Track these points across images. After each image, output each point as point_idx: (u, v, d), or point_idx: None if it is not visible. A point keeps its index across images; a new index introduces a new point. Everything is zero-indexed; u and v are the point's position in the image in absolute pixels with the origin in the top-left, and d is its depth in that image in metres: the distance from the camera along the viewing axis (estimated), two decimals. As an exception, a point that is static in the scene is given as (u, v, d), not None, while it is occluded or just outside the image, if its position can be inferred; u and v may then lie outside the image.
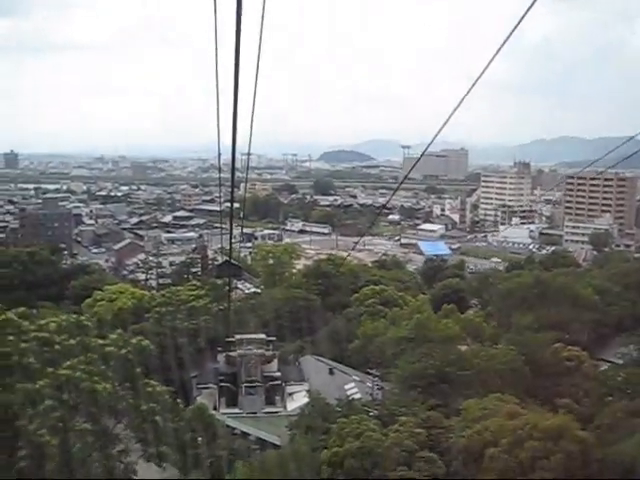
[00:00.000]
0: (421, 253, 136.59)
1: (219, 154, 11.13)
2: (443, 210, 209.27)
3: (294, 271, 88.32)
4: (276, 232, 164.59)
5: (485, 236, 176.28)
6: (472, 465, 27.07)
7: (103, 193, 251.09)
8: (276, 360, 47.46)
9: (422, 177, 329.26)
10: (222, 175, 18.14)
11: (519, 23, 6.77)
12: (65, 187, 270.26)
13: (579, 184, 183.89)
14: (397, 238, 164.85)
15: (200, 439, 30.34)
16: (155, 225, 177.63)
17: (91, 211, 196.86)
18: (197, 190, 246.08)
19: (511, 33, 6.92)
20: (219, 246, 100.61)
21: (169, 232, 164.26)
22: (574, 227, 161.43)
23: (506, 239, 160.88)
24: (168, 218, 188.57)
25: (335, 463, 27.12)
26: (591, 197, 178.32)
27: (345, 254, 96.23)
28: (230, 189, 13.51)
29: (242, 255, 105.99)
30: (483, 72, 7.54)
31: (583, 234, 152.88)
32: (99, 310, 53.60)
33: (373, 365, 45.76)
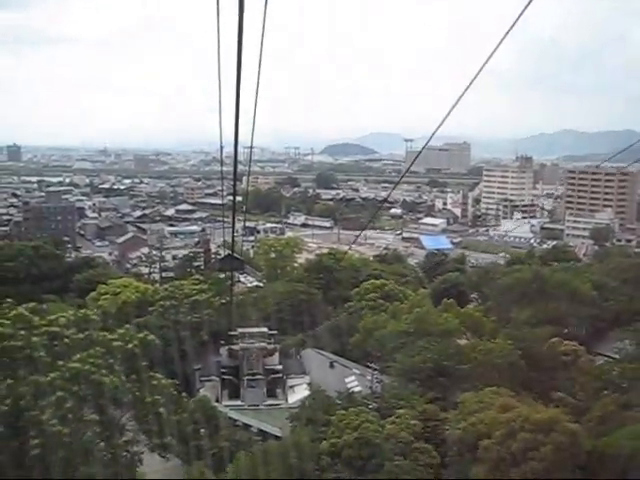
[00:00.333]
0: (423, 247, 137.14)
1: (221, 147, 11.18)
2: (445, 204, 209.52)
3: (296, 265, 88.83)
4: (278, 226, 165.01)
5: (487, 230, 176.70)
6: (467, 456, 27.92)
7: (106, 186, 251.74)
8: (277, 353, 48.13)
9: (425, 171, 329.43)
10: (224, 168, 18.34)
11: (519, 17, 7.05)
12: (68, 180, 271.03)
13: (580, 178, 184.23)
14: (399, 232, 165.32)
15: (203, 431, 31.09)
16: (158, 218, 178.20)
17: (94, 204, 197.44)
18: (200, 183, 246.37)
19: (511, 27, 7.17)
20: (222, 240, 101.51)
21: (172, 225, 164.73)
22: (575, 222, 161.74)
23: (507, 233, 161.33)
24: (171, 211, 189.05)
25: (334, 453, 27.98)
26: (592, 192, 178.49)
27: (347, 248, 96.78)
28: (232, 182, 13.38)
29: (244, 249, 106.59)
30: (483, 66, 7.70)
31: (584, 229, 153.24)
32: (104, 304, 54.14)
33: (373, 359, 46.42)
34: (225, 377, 45.98)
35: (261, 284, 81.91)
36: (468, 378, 39.87)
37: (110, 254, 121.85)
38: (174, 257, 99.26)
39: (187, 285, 56.28)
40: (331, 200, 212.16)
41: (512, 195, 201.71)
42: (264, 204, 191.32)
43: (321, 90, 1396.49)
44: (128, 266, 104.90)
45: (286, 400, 44.50)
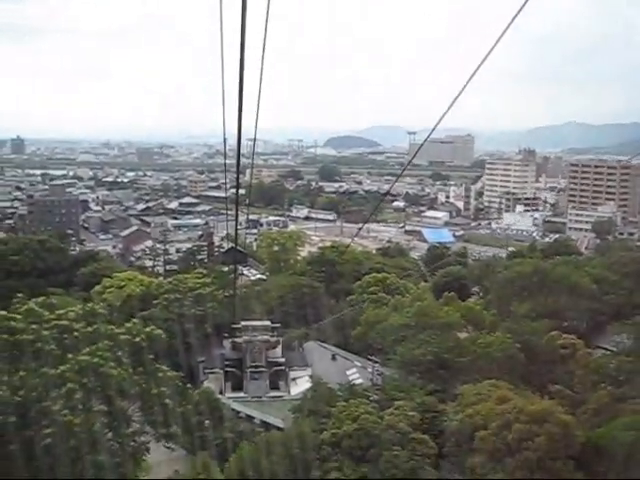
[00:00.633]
0: (425, 240, 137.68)
1: (224, 140, 11.20)
2: (448, 197, 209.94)
3: (299, 258, 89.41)
4: (281, 219, 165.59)
5: (489, 223, 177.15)
6: (464, 446, 28.64)
7: (109, 179, 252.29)
8: (280, 346, 48.60)
9: (428, 163, 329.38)
10: (228, 161, 18.66)
11: (523, 6, 7.00)
12: (72, 173, 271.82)
13: (583, 172, 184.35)
14: (401, 225, 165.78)
15: (207, 422, 31.79)
16: (161, 211, 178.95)
17: (98, 197, 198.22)
18: (203, 176, 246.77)
19: (516, 15, 7.16)
20: (225, 232, 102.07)
21: (175, 219, 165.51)
22: (578, 215, 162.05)
23: (510, 227, 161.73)
24: (174, 204, 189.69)
25: (334, 443, 28.73)
26: (595, 185, 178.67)
27: (349, 241, 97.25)
28: (236, 175, 13.45)
29: (247, 241, 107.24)
30: (486, 58, 7.71)
31: (587, 222, 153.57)
32: (109, 297, 54.66)
33: (374, 351, 47.01)
34: (228, 369, 46.51)
35: (264, 277, 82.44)
36: (468, 371, 40.33)
37: (114, 247, 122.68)
38: (178, 250, 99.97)
39: (191, 278, 56.75)
40: (334, 193, 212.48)
41: (515, 188, 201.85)
42: (267, 197, 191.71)
43: (324, 83, 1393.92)
44: (132, 259, 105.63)
45: (288, 392, 45.13)
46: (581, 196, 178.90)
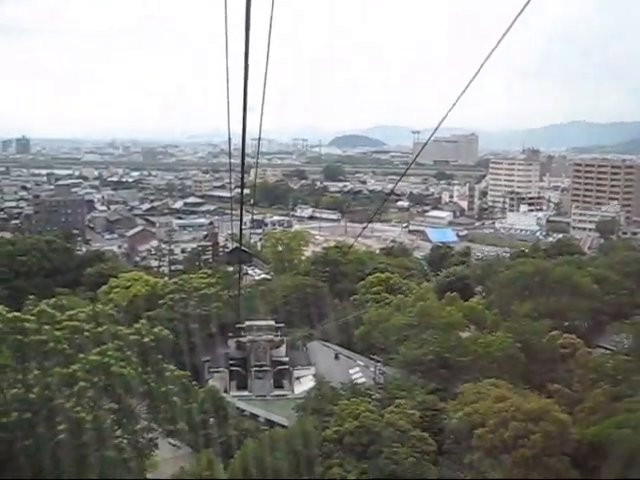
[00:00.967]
0: (429, 240, 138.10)
1: (229, 139, 11.23)
2: (452, 197, 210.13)
3: (303, 258, 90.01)
4: (286, 218, 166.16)
5: (493, 223, 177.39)
6: (462, 444, 29.34)
7: (114, 179, 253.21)
8: (284, 345, 49.02)
9: (432, 163, 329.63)
10: (232, 161, 19.04)
11: (527, 4, 6.96)
12: (77, 173, 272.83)
13: (587, 171, 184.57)
14: (405, 225, 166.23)
15: (212, 420, 32.48)
16: (166, 211, 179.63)
17: (103, 197, 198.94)
18: (208, 176, 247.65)
19: (520, 13, 7.09)
20: (230, 232, 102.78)
21: (180, 218, 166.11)
22: (581, 214, 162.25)
23: (513, 226, 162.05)
24: (179, 204, 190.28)
25: (336, 440, 29.47)
26: (599, 184, 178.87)
27: (353, 241, 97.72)
28: (240, 175, 13.47)
29: (252, 241, 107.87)
30: (488, 57, 7.70)
31: (590, 221, 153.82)
32: (115, 297, 55.16)
33: (377, 350, 47.60)
34: (233, 368, 46.91)
35: (269, 277, 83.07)
36: (469, 370, 40.80)
37: (119, 247, 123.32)
38: (183, 250, 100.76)
39: (196, 278, 57.17)
40: (338, 192, 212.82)
41: (519, 188, 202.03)
42: (271, 196, 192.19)
43: (329, 83, 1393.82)
44: (137, 259, 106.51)
45: (292, 391, 45.45)
46: (585, 195, 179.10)
